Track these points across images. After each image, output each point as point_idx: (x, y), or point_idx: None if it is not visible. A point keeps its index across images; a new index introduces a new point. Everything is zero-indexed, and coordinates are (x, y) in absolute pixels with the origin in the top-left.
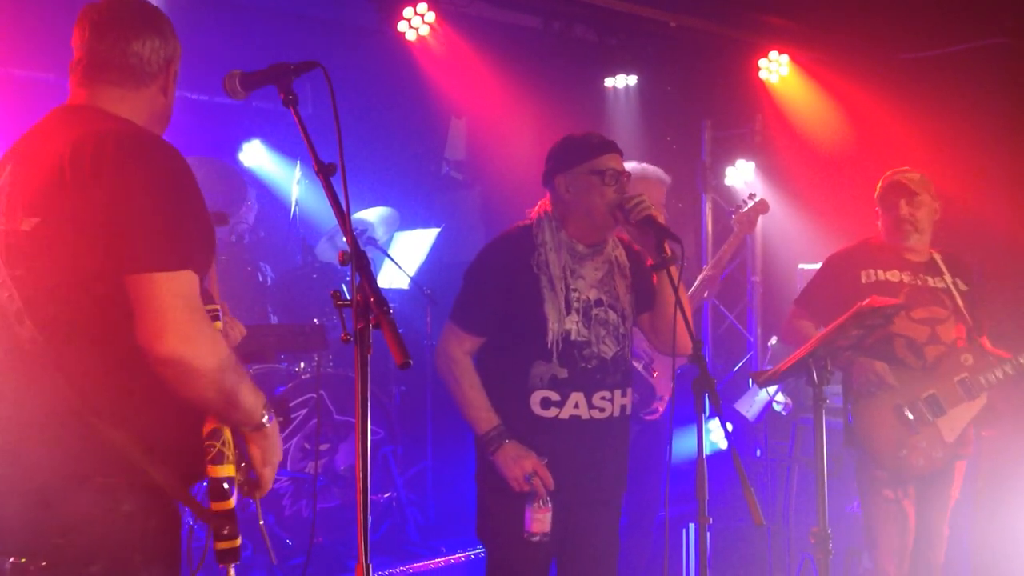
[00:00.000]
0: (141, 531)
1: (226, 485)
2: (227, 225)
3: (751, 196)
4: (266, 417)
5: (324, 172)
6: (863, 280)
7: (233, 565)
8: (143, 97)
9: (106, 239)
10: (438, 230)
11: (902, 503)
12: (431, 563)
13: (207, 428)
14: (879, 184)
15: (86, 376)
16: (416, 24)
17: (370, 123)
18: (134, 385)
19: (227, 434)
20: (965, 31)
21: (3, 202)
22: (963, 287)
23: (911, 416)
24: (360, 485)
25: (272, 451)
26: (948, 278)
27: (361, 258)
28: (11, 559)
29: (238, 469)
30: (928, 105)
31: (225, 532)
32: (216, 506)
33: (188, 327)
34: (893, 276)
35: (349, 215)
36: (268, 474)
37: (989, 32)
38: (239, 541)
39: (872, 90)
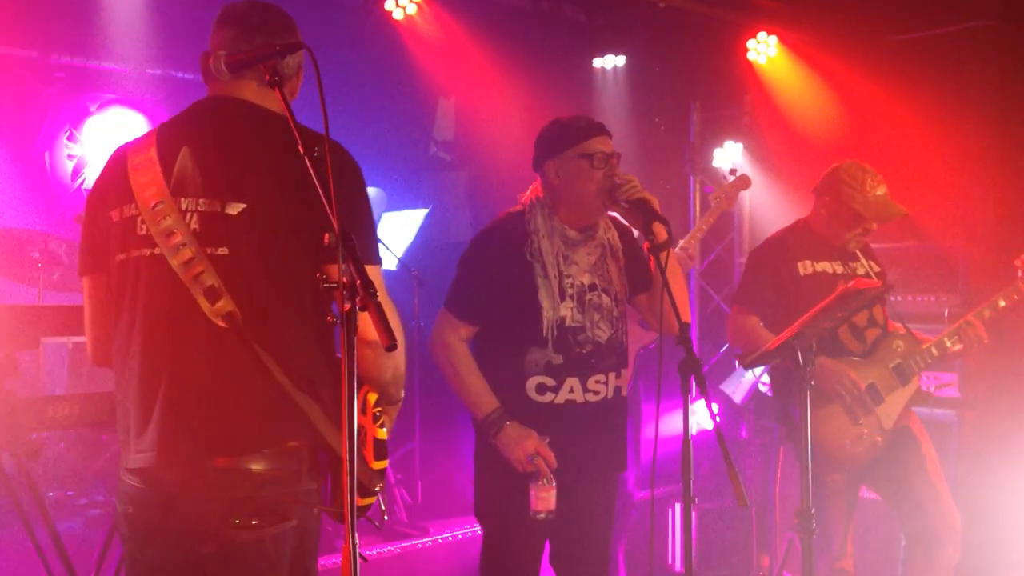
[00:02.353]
0: (319, 488)
1: (384, 448)
2: None
3: (732, 171)
4: (402, 393)
5: (310, 153)
6: (801, 272)
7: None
8: (277, 96)
9: (313, 227)
10: (426, 211)
11: (851, 485)
12: (418, 543)
13: (372, 398)
14: (832, 173)
15: (284, 349)
16: (403, 3)
17: (357, 103)
18: (324, 357)
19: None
20: (954, 12)
21: (193, 184)
22: (876, 268)
23: (857, 410)
24: (346, 466)
25: (394, 419)
26: (865, 262)
27: (347, 240)
28: (229, 521)
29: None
30: (916, 86)
31: (376, 489)
32: (377, 464)
33: (394, 318)
34: (827, 267)
35: (335, 197)
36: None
37: (978, 14)
38: (375, 499)
39: (861, 71)
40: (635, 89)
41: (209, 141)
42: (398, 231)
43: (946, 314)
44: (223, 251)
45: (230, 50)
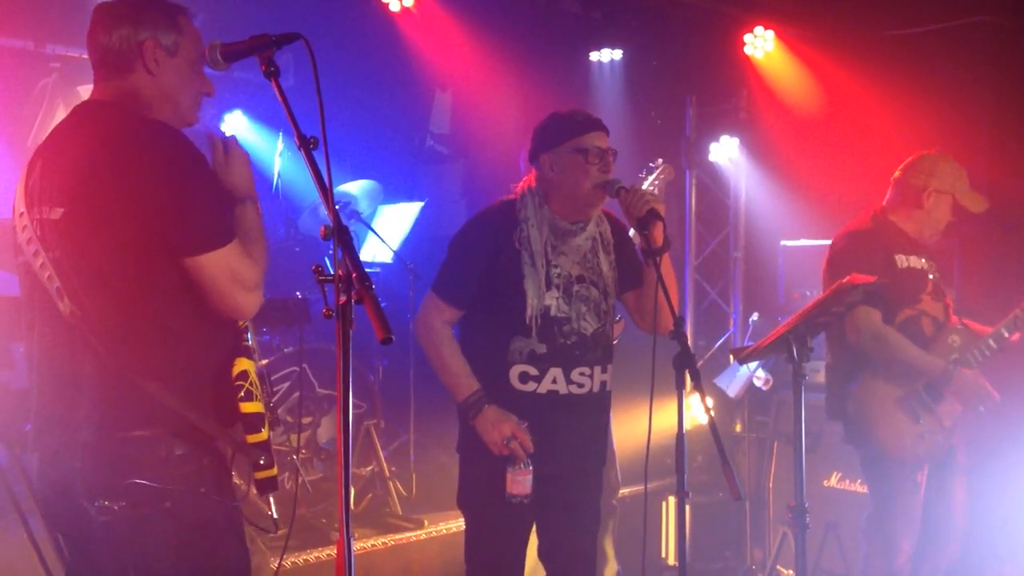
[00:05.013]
0: (198, 468)
1: (256, 421)
2: None
3: (655, 162)
4: (249, 204)
5: (306, 145)
6: (899, 265)
7: (273, 492)
8: (131, 83)
9: (133, 228)
10: (422, 204)
11: (920, 486)
12: (413, 536)
13: (236, 371)
14: (934, 165)
15: (123, 341)
16: None
17: (353, 95)
18: (167, 343)
19: (253, 375)
20: (950, 9)
21: (37, 194)
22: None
23: (920, 412)
24: (341, 458)
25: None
26: (926, 256)
27: (343, 232)
28: (96, 503)
29: (267, 408)
30: (912, 82)
31: (261, 462)
32: (251, 438)
33: (251, 284)
34: (916, 263)
35: (331, 189)
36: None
37: (974, 10)
38: (275, 471)
39: (857, 67)
40: (631, 83)
41: (54, 149)
42: (394, 224)
43: None
44: (56, 254)
45: (89, 54)
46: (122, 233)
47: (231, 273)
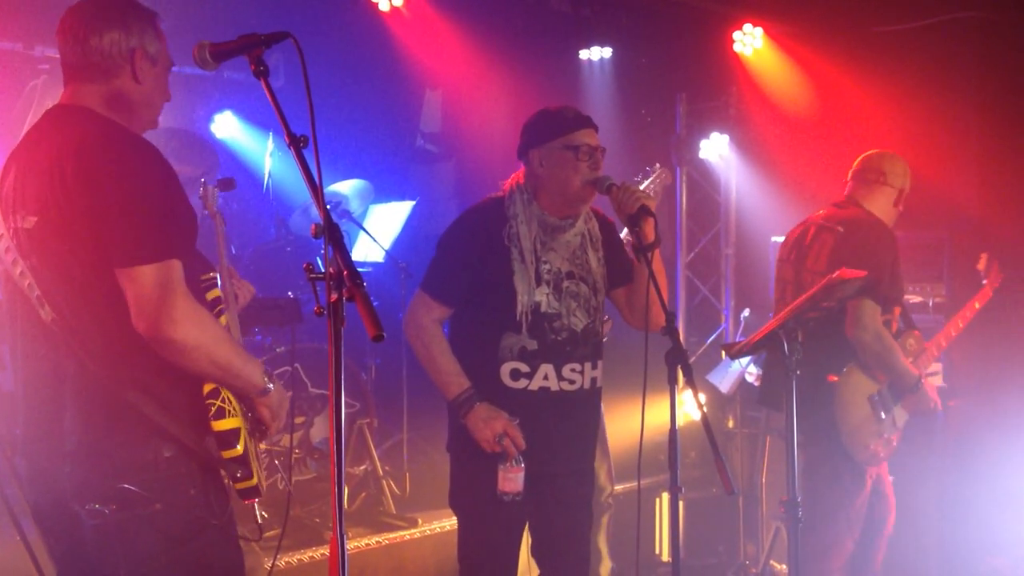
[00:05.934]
0: (187, 470)
1: (230, 437)
2: (234, 190)
3: (652, 166)
4: (269, 384)
5: (296, 145)
6: (901, 267)
7: (256, 499)
8: (114, 88)
9: (94, 235)
10: (413, 203)
11: (867, 485)
12: (407, 535)
13: (207, 388)
14: (902, 162)
15: (104, 348)
16: None
17: (343, 94)
18: (143, 354)
19: (225, 391)
20: (937, 4)
21: (11, 203)
22: None
23: (882, 410)
24: (334, 458)
25: (278, 411)
26: None
27: (334, 231)
28: (87, 506)
29: (244, 419)
30: (901, 78)
31: (239, 475)
32: (225, 454)
33: (173, 311)
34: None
35: (321, 188)
36: (276, 427)
37: (961, 6)
38: (255, 480)
39: (845, 63)
40: (621, 81)
41: (26, 155)
42: (385, 223)
43: (931, 304)
44: (33, 262)
45: (65, 53)
46: (91, 243)
47: (153, 291)
